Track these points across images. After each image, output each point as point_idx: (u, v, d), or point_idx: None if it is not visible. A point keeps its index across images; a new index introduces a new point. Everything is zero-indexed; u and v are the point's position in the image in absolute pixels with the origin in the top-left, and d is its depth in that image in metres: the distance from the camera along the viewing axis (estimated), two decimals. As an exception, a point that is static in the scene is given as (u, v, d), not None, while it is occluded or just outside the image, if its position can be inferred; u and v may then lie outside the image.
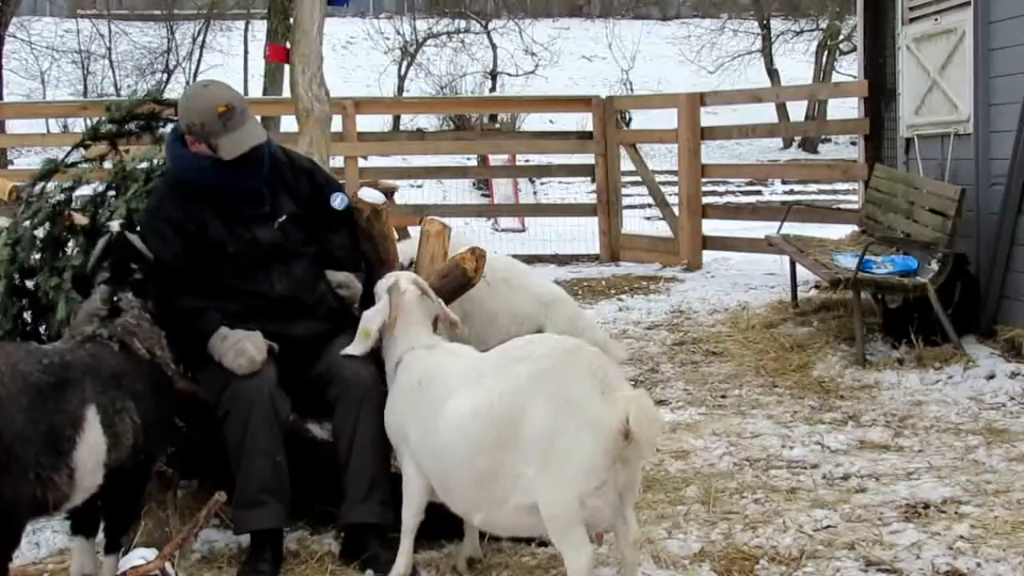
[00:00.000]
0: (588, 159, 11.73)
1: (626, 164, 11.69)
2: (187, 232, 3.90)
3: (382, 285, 3.93)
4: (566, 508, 3.16)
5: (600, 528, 3.32)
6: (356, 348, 3.90)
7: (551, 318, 4.75)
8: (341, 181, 10.05)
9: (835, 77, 22.92)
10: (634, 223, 12.97)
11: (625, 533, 3.32)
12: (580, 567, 3.17)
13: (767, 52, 24.15)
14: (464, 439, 3.36)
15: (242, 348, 3.79)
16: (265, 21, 20.56)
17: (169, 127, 4.80)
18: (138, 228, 4.02)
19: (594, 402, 3.16)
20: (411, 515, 3.67)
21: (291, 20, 8.24)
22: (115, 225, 3.80)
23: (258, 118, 4.16)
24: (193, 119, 3.89)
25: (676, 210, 11.05)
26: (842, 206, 14.21)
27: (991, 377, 6.12)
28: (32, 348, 3.35)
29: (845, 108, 17.10)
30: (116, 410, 3.28)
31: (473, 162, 16.71)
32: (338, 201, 4.18)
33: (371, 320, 3.87)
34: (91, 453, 3.20)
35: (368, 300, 4.03)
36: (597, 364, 3.27)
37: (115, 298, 3.53)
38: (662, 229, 11.63)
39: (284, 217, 4.05)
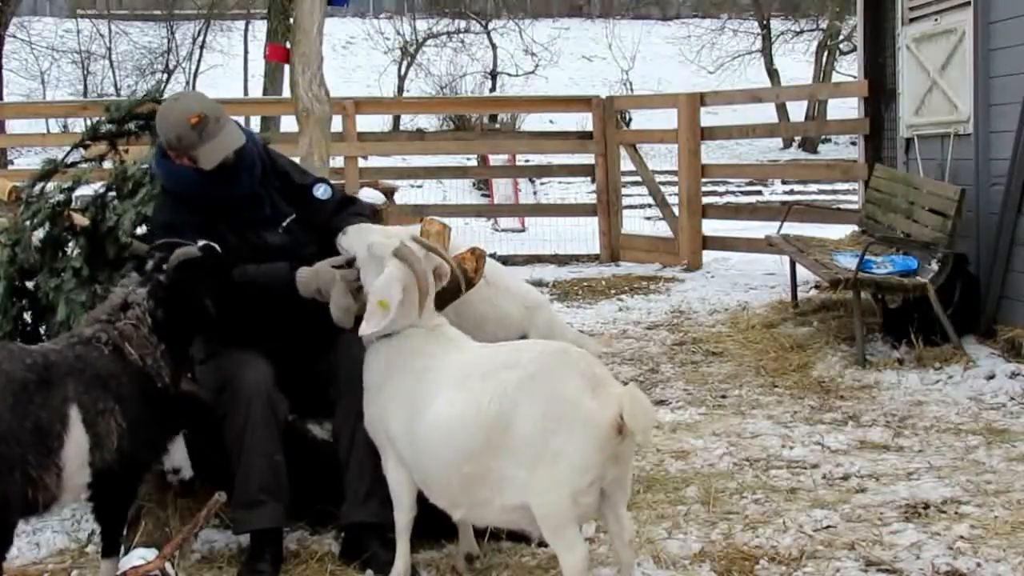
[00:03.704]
0: (588, 159, 11.74)
1: (626, 164, 11.70)
2: (206, 235, 3.85)
3: (382, 246, 3.61)
4: (559, 507, 3.16)
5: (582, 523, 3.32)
6: (372, 325, 3.50)
7: (534, 322, 4.75)
8: (341, 181, 10.14)
9: (835, 77, 22.94)
10: (634, 223, 12.97)
11: (620, 532, 3.32)
12: (575, 565, 3.17)
13: (767, 52, 24.16)
14: (450, 445, 3.32)
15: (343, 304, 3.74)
16: (265, 21, 20.59)
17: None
18: (154, 240, 3.99)
19: (585, 400, 3.16)
20: (403, 513, 3.64)
21: (291, 20, 8.24)
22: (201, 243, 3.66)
23: (238, 120, 4.14)
24: (169, 134, 3.86)
25: (676, 210, 11.06)
26: (842, 206, 14.22)
27: (991, 377, 6.11)
28: (16, 348, 3.34)
29: (845, 108, 17.11)
30: (99, 410, 3.26)
31: (473, 162, 16.71)
32: (321, 191, 4.12)
33: (387, 291, 3.49)
34: (76, 452, 3.20)
35: None
36: (585, 364, 3.27)
37: (127, 294, 3.51)
38: (662, 229, 11.63)
39: (289, 219, 4.04)
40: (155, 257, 3.58)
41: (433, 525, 3.76)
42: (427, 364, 3.51)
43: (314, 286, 3.82)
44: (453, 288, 4.13)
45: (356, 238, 3.78)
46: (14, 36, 21.30)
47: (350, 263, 3.79)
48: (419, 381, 3.49)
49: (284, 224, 4.04)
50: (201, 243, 3.63)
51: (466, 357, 3.52)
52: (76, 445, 3.20)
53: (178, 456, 4.02)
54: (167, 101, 4.10)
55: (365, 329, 3.55)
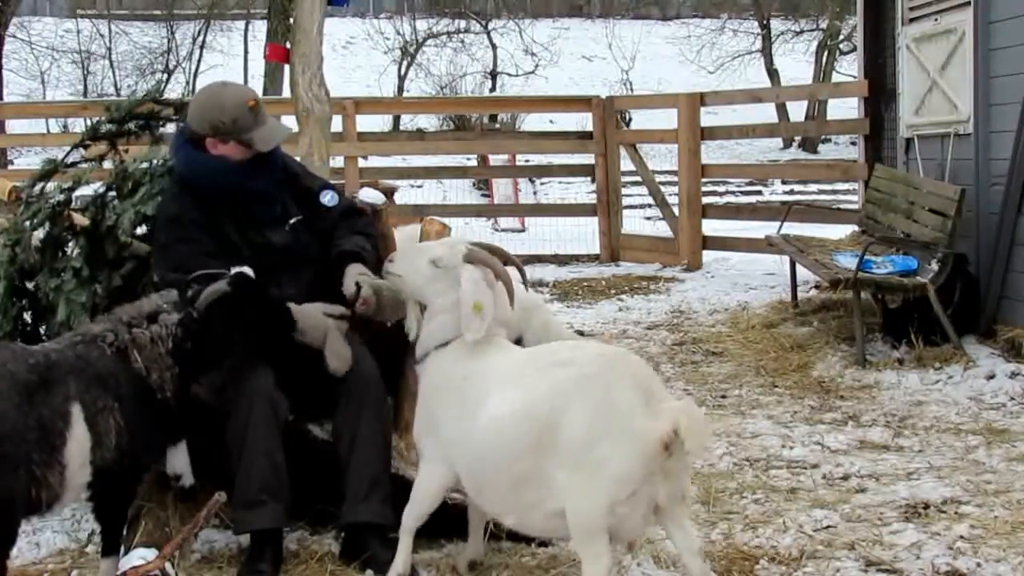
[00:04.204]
0: (588, 159, 11.74)
1: (626, 164, 11.70)
2: (210, 233, 3.87)
3: (451, 256, 3.57)
4: (594, 515, 3.13)
5: (630, 538, 3.28)
6: (475, 330, 3.45)
7: (530, 323, 4.72)
8: (341, 181, 10.14)
9: (835, 77, 22.91)
10: (634, 223, 12.97)
11: (688, 544, 3.28)
12: (598, 575, 3.14)
13: (767, 52, 24.14)
14: (503, 441, 3.28)
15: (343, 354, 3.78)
16: (265, 21, 20.60)
17: (169, 127, 4.81)
18: (158, 237, 4.00)
19: (637, 411, 3.12)
20: (414, 518, 3.62)
21: (291, 20, 8.24)
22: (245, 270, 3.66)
23: None
24: (223, 118, 3.86)
25: (676, 210, 11.06)
26: (842, 206, 14.22)
27: (991, 377, 6.12)
28: (18, 348, 3.36)
29: (845, 108, 17.10)
30: (99, 408, 3.28)
31: (473, 162, 16.70)
32: (328, 198, 4.14)
33: (476, 293, 3.47)
34: (78, 450, 3.22)
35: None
36: (641, 375, 3.23)
37: (158, 309, 3.52)
38: (662, 229, 11.64)
39: (295, 220, 4.05)
40: (193, 288, 3.60)
41: (433, 525, 3.75)
42: (480, 368, 3.46)
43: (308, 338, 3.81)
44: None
45: (413, 257, 3.69)
46: (14, 36, 21.30)
47: (343, 316, 3.84)
48: (473, 385, 3.44)
49: (290, 222, 4.04)
50: (234, 271, 3.61)
51: (519, 356, 3.51)
52: (78, 443, 3.22)
53: (180, 462, 4.02)
54: (211, 88, 4.05)
55: (470, 335, 3.48)
